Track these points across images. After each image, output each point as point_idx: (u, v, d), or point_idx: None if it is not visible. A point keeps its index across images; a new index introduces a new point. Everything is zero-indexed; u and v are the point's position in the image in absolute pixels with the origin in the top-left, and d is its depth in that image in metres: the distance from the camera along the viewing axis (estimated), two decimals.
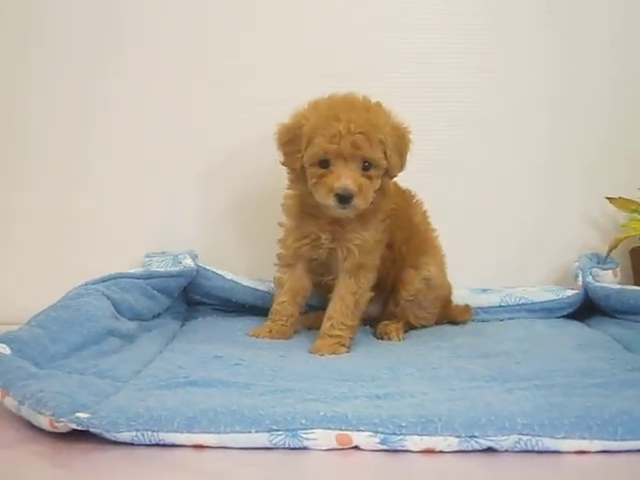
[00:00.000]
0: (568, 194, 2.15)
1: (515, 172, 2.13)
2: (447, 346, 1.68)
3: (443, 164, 2.09)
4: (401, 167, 1.68)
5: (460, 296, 1.97)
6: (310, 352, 1.63)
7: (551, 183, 2.15)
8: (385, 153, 1.62)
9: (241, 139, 2.07)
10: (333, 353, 1.61)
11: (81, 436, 1.15)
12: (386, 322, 1.80)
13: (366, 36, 2.08)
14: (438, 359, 1.57)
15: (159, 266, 1.92)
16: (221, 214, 2.12)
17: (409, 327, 1.83)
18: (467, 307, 1.95)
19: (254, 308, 1.94)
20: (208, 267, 1.95)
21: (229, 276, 1.96)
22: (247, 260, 2.09)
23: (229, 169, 2.10)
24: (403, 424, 1.15)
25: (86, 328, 1.49)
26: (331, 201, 1.59)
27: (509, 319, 1.95)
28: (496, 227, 2.13)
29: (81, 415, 1.15)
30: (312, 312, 1.87)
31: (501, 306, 1.98)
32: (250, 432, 1.15)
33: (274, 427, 1.15)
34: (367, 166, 1.61)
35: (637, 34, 2.11)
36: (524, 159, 2.13)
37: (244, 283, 1.95)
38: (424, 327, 1.86)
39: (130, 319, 1.68)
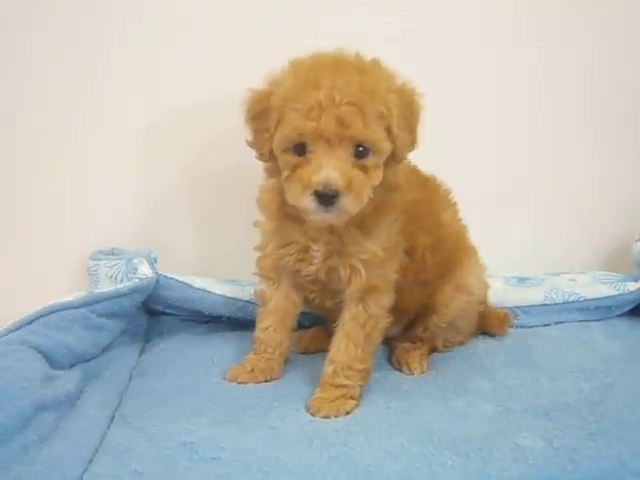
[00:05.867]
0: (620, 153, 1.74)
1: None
2: (489, 388, 1.28)
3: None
4: (412, 145, 1.21)
5: (493, 291, 1.53)
6: (308, 412, 1.22)
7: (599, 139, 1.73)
8: (389, 130, 1.16)
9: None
10: (337, 412, 1.21)
11: None
12: (406, 346, 1.40)
13: None
14: (486, 422, 1.16)
15: (108, 274, 1.51)
16: (176, 197, 1.69)
17: (433, 350, 1.44)
18: (506, 316, 1.52)
19: (232, 320, 1.53)
20: (170, 275, 1.52)
21: (198, 284, 1.53)
22: (216, 255, 1.68)
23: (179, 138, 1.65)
24: None
25: (5, 412, 1.05)
26: (309, 202, 1.13)
27: (556, 323, 1.56)
28: (531, 197, 1.73)
29: None
30: (306, 329, 1.47)
31: (545, 305, 1.58)
32: None
33: None
34: (362, 152, 1.14)
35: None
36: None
37: (217, 292, 1.53)
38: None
39: (71, 365, 1.29)
